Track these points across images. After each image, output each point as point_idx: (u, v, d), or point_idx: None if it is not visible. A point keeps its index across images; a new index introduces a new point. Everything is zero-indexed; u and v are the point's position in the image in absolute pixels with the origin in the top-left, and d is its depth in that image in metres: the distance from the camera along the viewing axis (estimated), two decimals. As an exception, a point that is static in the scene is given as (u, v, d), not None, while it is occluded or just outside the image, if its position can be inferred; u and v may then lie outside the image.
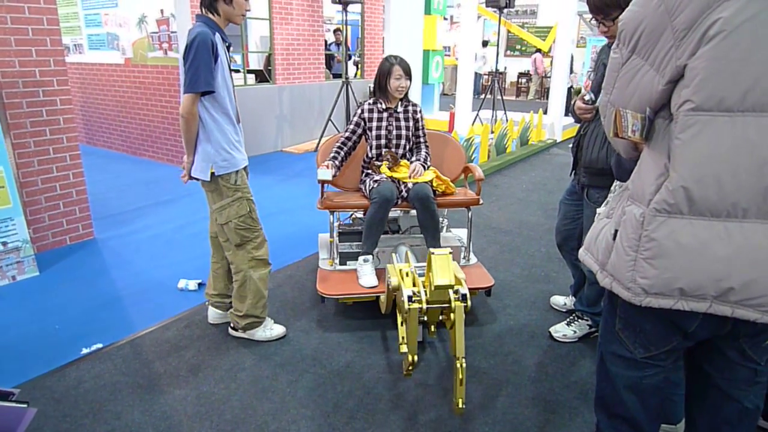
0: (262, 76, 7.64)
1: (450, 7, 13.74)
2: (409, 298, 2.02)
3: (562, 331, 2.73)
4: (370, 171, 3.08)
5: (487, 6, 8.49)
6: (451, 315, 2.05)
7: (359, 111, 3.05)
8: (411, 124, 3.08)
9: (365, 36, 8.94)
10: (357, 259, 2.98)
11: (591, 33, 14.91)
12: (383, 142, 3.03)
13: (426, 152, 3.13)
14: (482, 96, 9.66)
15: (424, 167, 3.03)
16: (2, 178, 3.23)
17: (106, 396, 2.25)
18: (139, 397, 2.24)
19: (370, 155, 3.08)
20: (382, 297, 2.76)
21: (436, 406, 2.21)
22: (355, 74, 9.19)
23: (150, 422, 2.10)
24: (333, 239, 3.00)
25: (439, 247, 2.91)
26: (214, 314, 2.82)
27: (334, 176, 2.99)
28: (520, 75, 16.02)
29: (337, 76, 8.81)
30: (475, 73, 13.17)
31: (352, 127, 3.05)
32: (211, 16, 2.41)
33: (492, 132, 7.23)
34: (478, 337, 2.73)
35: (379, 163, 3.04)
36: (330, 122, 7.14)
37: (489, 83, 9.31)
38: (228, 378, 2.38)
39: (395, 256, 2.81)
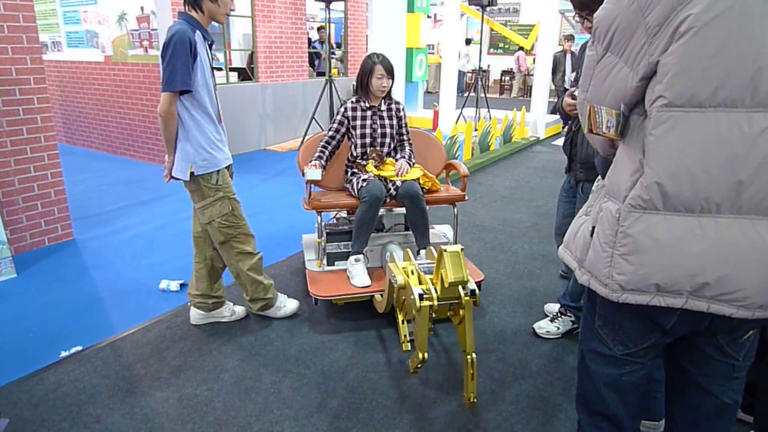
0: (245, 74, 7.58)
1: (433, 5, 13.77)
2: (420, 296, 2.00)
3: (545, 327, 2.75)
4: (356, 170, 3.06)
5: (470, 4, 8.52)
6: (461, 311, 2.07)
7: (342, 110, 3.03)
8: (395, 122, 3.08)
9: (348, 34, 8.91)
10: (345, 260, 2.98)
11: (573, 31, 15.04)
12: (368, 140, 3.02)
13: (410, 150, 3.13)
14: (466, 94, 9.68)
15: (409, 164, 3.03)
16: (-23, 179, 3.17)
17: (85, 399, 2.21)
18: (120, 400, 2.21)
19: (355, 154, 3.06)
20: (377, 296, 2.76)
21: (421, 404, 2.21)
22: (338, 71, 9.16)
23: (131, 425, 2.07)
24: (321, 240, 2.98)
25: (429, 244, 2.92)
26: (196, 315, 2.79)
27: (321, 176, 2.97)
28: (504, 73, 16.12)
29: (320, 74, 8.77)
30: (459, 71, 13.20)
31: (335, 126, 3.03)
32: (193, 13, 2.38)
33: (476, 130, 7.26)
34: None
35: (364, 162, 3.03)
36: (314, 120, 7.11)
37: (472, 81, 9.34)
38: (211, 379, 2.36)
39: (396, 254, 2.82)
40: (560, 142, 8.67)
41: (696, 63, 1.00)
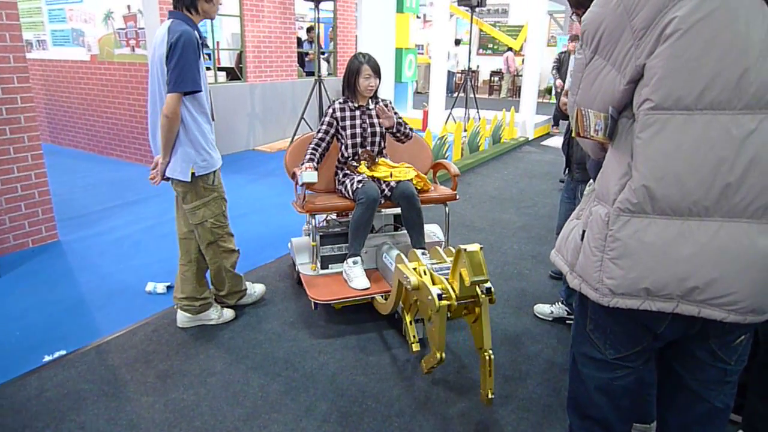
0: (234, 73, 7.52)
1: (423, 5, 13.77)
2: (440, 296, 1.98)
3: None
4: (348, 171, 3.03)
5: (459, 5, 8.52)
6: (476, 309, 2.07)
7: (330, 111, 3.00)
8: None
9: (338, 34, 8.88)
10: (339, 262, 2.96)
11: (561, 32, 15.12)
12: (358, 140, 3.00)
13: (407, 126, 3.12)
14: (455, 94, 9.69)
15: (392, 113, 2.99)
16: (-42, 180, 3.10)
17: (69, 405, 2.17)
18: (105, 405, 2.17)
19: (346, 155, 3.03)
20: (379, 298, 2.74)
21: (410, 407, 2.20)
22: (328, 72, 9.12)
23: (116, 431, 2.03)
24: (316, 243, 2.95)
25: (424, 243, 2.91)
26: (183, 318, 2.76)
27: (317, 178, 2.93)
28: (493, 73, 16.16)
29: (310, 73, 8.73)
30: (448, 72, 13.23)
31: (324, 127, 3.00)
32: (188, 13, 2.37)
33: (465, 130, 7.27)
34: (450, 335, 2.73)
35: (356, 163, 3.01)
36: (303, 120, 7.07)
37: (462, 82, 9.35)
38: (197, 383, 2.33)
39: (393, 255, 2.81)
40: (549, 142, 8.72)
41: (682, 65, 0.99)
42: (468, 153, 6.95)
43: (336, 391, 2.28)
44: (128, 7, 5.80)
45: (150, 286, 3.16)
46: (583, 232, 1.18)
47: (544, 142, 8.73)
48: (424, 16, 16.47)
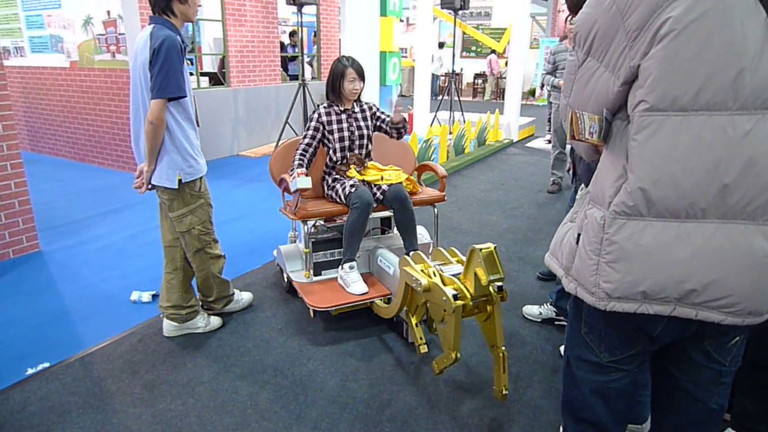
0: (216, 78, 7.47)
1: (406, 9, 13.81)
2: (455, 297, 1.99)
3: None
4: (337, 176, 3.01)
5: (442, 7, 8.55)
6: (488, 307, 2.08)
7: (316, 116, 2.97)
8: (369, 123, 3.06)
9: (321, 37, 8.87)
10: (331, 268, 2.95)
11: (543, 34, 15.27)
12: (347, 143, 2.98)
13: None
14: (439, 97, 9.72)
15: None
16: (-65, 190, 3.03)
17: (54, 419, 2.12)
18: (90, 418, 2.13)
19: (334, 159, 3.01)
20: (378, 302, 2.72)
21: (402, 412, 2.18)
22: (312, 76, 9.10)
23: (102, 444, 1.99)
24: (309, 249, 2.91)
25: (417, 246, 2.91)
26: (169, 327, 2.72)
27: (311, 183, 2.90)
28: (476, 76, 16.24)
29: (293, 77, 8.70)
30: (432, 75, 13.26)
31: (311, 132, 2.97)
32: (167, 17, 2.34)
33: (450, 133, 7.29)
34: (437, 339, 2.72)
35: (344, 168, 2.99)
36: (287, 125, 7.04)
37: (446, 84, 9.38)
38: (185, 393, 2.29)
39: (387, 258, 2.83)
40: (534, 144, 8.77)
41: (677, 66, 0.99)
42: (453, 155, 6.97)
43: (326, 398, 2.27)
44: (108, 12, 5.73)
45: (135, 295, 3.11)
46: (579, 235, 1.17)
47: (529, 144, 8.79)
48: (407, 19, 16.52)
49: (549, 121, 7.28)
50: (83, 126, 6.49)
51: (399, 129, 3.07)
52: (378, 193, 2.87)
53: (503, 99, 9.47)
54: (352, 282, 2.79)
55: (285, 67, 8.80)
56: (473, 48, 16.70)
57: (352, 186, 2.84)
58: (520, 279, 3.48)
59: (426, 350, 2.33)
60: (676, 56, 0.98)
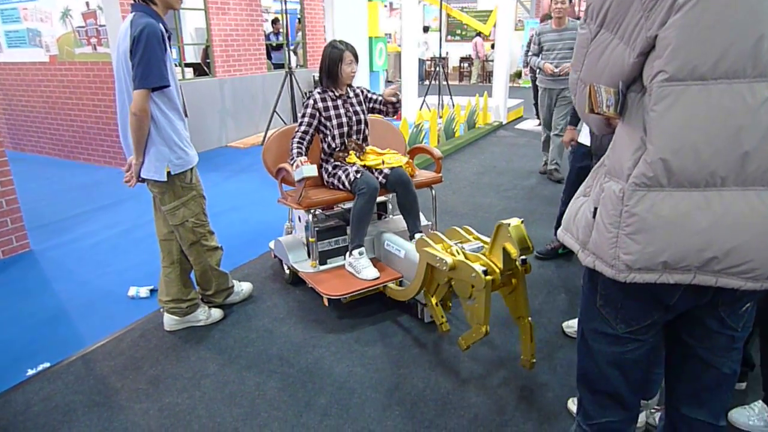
0: (201, 69, 7.35)
1: (389, -7, 13.67)
2: (485, 272, 2.02)
3: (574, 326, 2.59)
4: (338, 162, 2.97)
5: (427, -9, 8.47)
6: (513, 280, 2.15)
7: (311, 102, 2.92)
8: (364, 106, 3.03)
9: (306, 24, 8.75)
10: (336, 256, 2.94)
11: (528, 15, 15.22)
12: (345, 129, 2.94)
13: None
14: (427, 82, 9.67)
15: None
16: None
17: (59, 418, 2.09)
18: (97, 415, 2.10)
19: (333, 145, 2.96)
20: (392, 285, 2.73)
21: (410, 394, 2.18)
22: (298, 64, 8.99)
23: (110, 441, 1.97)
24: (314, 239, 2.87)
25: (421, 227, 2.93)
26: (170, 321, 2.69)
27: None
28: (462, 59, 16.17)
29: (278, 66, 8.59)
30: (419, 59, 13.17)
31: (307, 119, 2.91)
32: (149, 5, 2.27)
33: (440, 117, 7.26)
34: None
35: (344, 154, 2.96)
36: (275, 114, 6.96)
37: (432, 69, 9.32)
38: (191, 386, 2.27)
39: (393, 240, 2.85)
40: (523, 125, 8.78)
41: (696, 35, 0.98)
42: (444, 140, 6.95)
43: (334, 384, 2.26)
44: (87, 4, 5.60)
45: (132, 291, 3.07)
46: (595, 209, 1.16)
47: (518, 126, 8.79)
48: (391, 4, 16.35)
49: (535, 105, 7.18)
50: (66, 122, 6.37)
51: (394, 104, 3.05)
52: (380, 178, 2.85)
53: (490, 82, 9.45)
54: (362, 268, 2.77)
55: (269, 56, 8.69)
56: (458, 31, 16.60)
57: (357, 172, 2.81)
58: (518, 259, 3.49)
59: (449, 328, 2.38)
60: (696, 24, 0.97)
